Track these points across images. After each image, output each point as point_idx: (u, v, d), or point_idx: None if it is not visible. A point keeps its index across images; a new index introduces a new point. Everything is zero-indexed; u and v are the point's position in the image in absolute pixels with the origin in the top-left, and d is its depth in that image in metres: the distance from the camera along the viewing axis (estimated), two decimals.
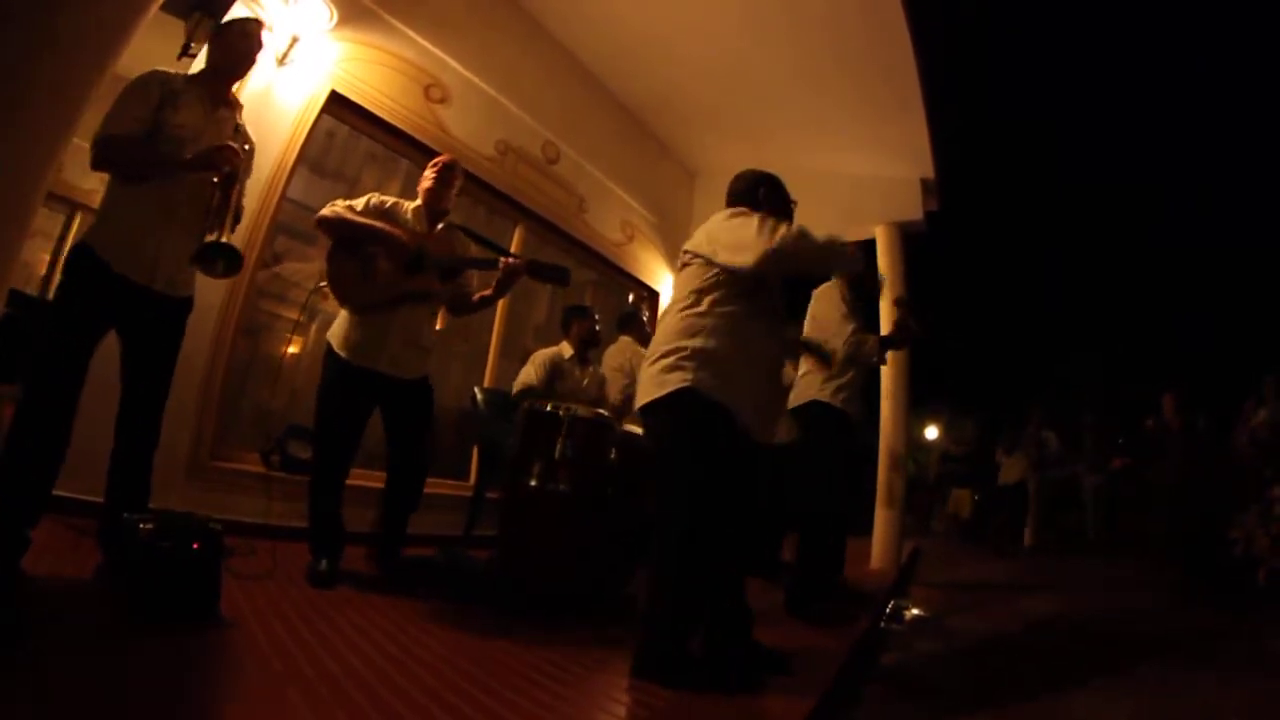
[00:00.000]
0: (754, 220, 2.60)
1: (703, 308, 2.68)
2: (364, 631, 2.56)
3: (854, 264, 2.94)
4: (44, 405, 2.56)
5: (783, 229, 2.54)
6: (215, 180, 2.71)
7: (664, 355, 2.67)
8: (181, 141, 2.70)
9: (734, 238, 2.62)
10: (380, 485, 3.72)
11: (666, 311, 2.84)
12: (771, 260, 2.54)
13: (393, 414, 3.57)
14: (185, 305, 2.93)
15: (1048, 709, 2.82)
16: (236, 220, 2.92)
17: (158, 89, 2.69)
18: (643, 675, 2.44)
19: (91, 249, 2.62)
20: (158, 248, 2.71)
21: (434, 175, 3.65)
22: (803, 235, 2.56)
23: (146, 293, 2.70)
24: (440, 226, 3.67)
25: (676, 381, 2.59)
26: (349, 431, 3.48)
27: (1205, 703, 3.01)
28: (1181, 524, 7.01)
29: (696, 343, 2.63)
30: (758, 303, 2.75)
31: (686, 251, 2.86)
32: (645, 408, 2.71)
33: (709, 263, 2.72)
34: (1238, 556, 5.78)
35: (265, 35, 3.63)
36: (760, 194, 3.00)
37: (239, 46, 2.98)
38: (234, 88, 3.10)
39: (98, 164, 2.61)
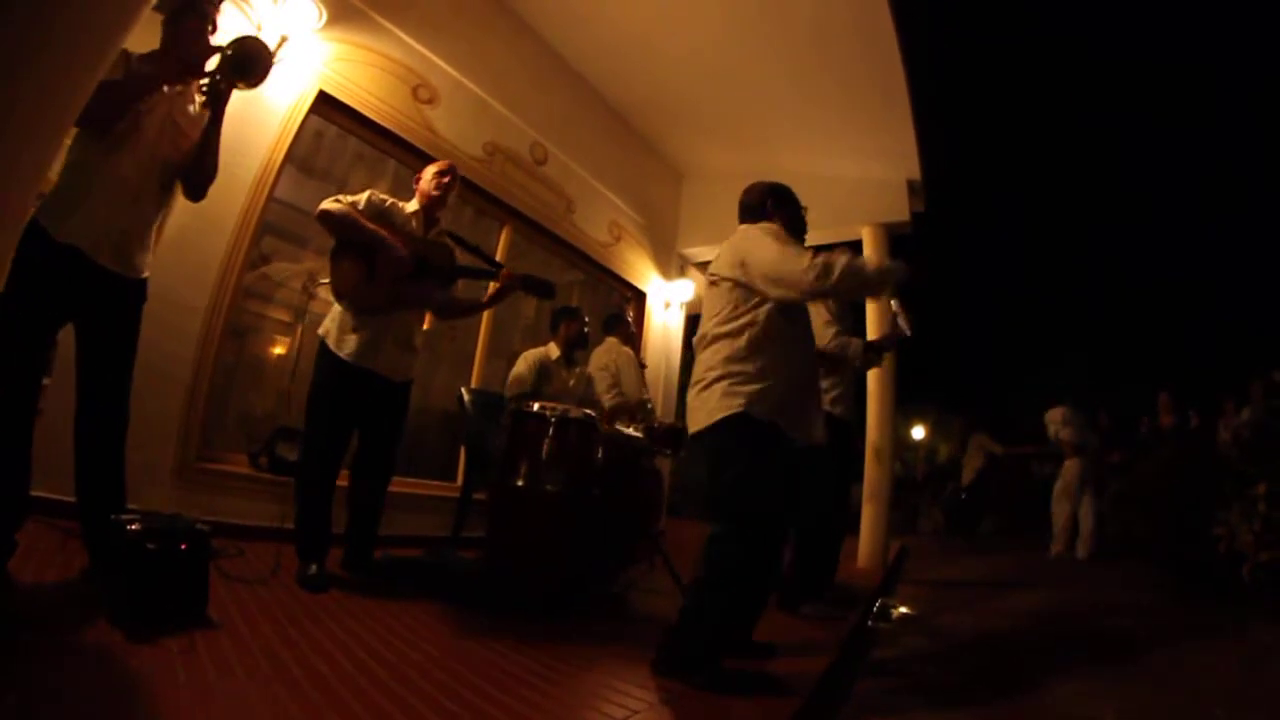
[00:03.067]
0: (800, 256, 2.57)
1: (735, 331, 2.71)
2: (352, 633, 2.56)
3: (903, 275, 2.73)
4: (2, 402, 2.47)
5: (837, 265, 2.50)
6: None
7: (715, 381, 2.69)
8: (137, 113, 2.68)
9: (777, 271, 2.61)
10: None
11: (700, 339, 2.87)
12: (821, 296, 2.68)
13: (375, 415, 3.58)
14: (139, 289, 2.83)
15: (1035, 703, 2.84)
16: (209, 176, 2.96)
17: (123, 59, 2.63)
18: (660, 672, 2.49)
19: (39, 225, 2.51)
20: (105, 217, 2.63)
21: (441, 185, 3.71)
22: (853, 271, 2.52)
23: (100, 272, 2.63)
24: (434, 231, 3.71)
25: (729, 407, 2.61)
26: (341, 431, 3.49)
27: (1191, 696, 3.04)
28: (1168, 521, 7.07)
29: (743, 366, 2.66)
30: (793, 313, 2.79)
31: (715, 274, 2.87)
32: (700, 434, 2.73)
33: (738, 285, 2.75)
34: (1222, 553, 5.83)
35: (250, 31, 3.65)
36: (769, 205, 3.03)
37: (190, 26, 2.87)
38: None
39: (89, 109, 2.50)
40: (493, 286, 3.74)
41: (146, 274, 2.87)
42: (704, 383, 2.74)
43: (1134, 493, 8.49)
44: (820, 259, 2.54)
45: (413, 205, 3.70)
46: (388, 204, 3.58)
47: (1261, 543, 5.39)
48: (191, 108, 2.94)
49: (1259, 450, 6.03)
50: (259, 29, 4.19)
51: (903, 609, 4.87)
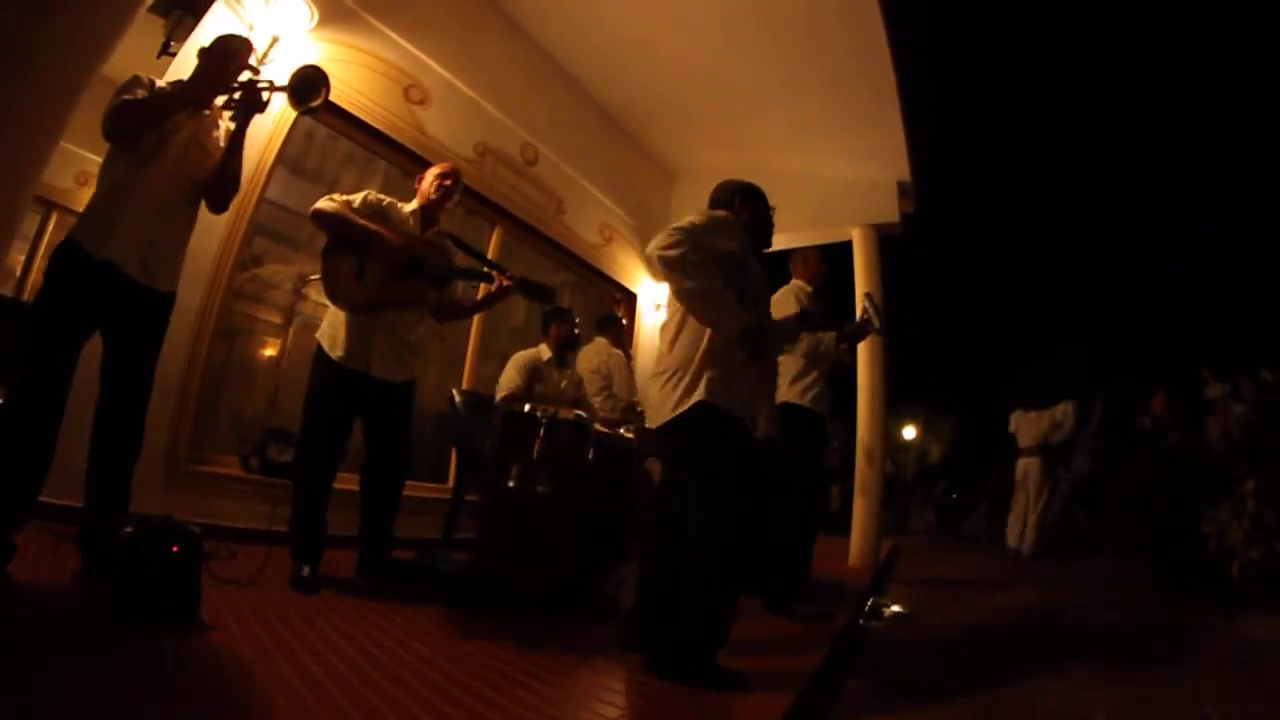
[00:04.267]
0: (687, 236, 2.69)
1: (693, 323, 2.75)
2: (345, 634, 2.55)
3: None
4: (31, 409, 2.55)
5: (679, 250, 2.65)
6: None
7: (672, 375, 2.73)
8: (163, 133, 2.80)
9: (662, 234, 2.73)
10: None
11: (663, 330, 2.90)
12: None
13: (376, 416, 3.57)
14: (168, 301, 2.95)
15: (1027, 700, 2.85)
16: (232, 186, 3.10)
17: (149, 85, 2.77)
18: (652, 669, 2.51)
19: (75, 242, 2.65)
20: (137, 232, 2.73)
21: (442, 187, 3.71)
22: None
23: (128, 283, 2.72)
24: (432, 232, 3.70)
25: (690, 401, 2.64)
26: (337, 434, 3.47)
27: (1181, 692, 3.06)
28: (1158, 519, 7.10)
29: (697, 359, 2.69)
30: (748, 304, 2.78)
31: None
32: (664, 427, 2.75)
33: None
34: (1212, 550, 5.85)
35: (248, 35, 3.71)
36: (736, 203, 3.05)
37: (225, 64, 3.04)
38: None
39: (117, 125, 2.67)
40: (484, 288, 3.75)
41: (175, 288, 2.99)
42: (665, 375, 2.78)
43: (1125, 489, 8.53)
44: (685, 247, 2.66)
45: (412, 205, 3.69)
46: (385, 203, 3.58)
47: (1251, 540, 5.41)
48: (216, 131, 3.08)
49: (1249, 448, 6.06)
50: (250, 29, 4.18)
51: (894, 607, 4.89)
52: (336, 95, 4.82)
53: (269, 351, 5.68)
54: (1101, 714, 2.71)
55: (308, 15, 4.50)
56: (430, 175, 3.74)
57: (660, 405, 2.76)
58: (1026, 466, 9.34)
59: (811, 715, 2.47)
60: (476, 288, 3.74)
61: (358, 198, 3.49)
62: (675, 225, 2.72)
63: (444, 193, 3.71)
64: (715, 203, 3.10)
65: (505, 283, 3.62)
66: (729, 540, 2.55)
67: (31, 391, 2.56)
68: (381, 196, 3.59)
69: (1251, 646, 4.01)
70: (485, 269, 3.77)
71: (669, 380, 2.74)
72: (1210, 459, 6.49)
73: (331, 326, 3.48)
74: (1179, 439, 7.96)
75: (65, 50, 1.50)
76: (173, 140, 2.83)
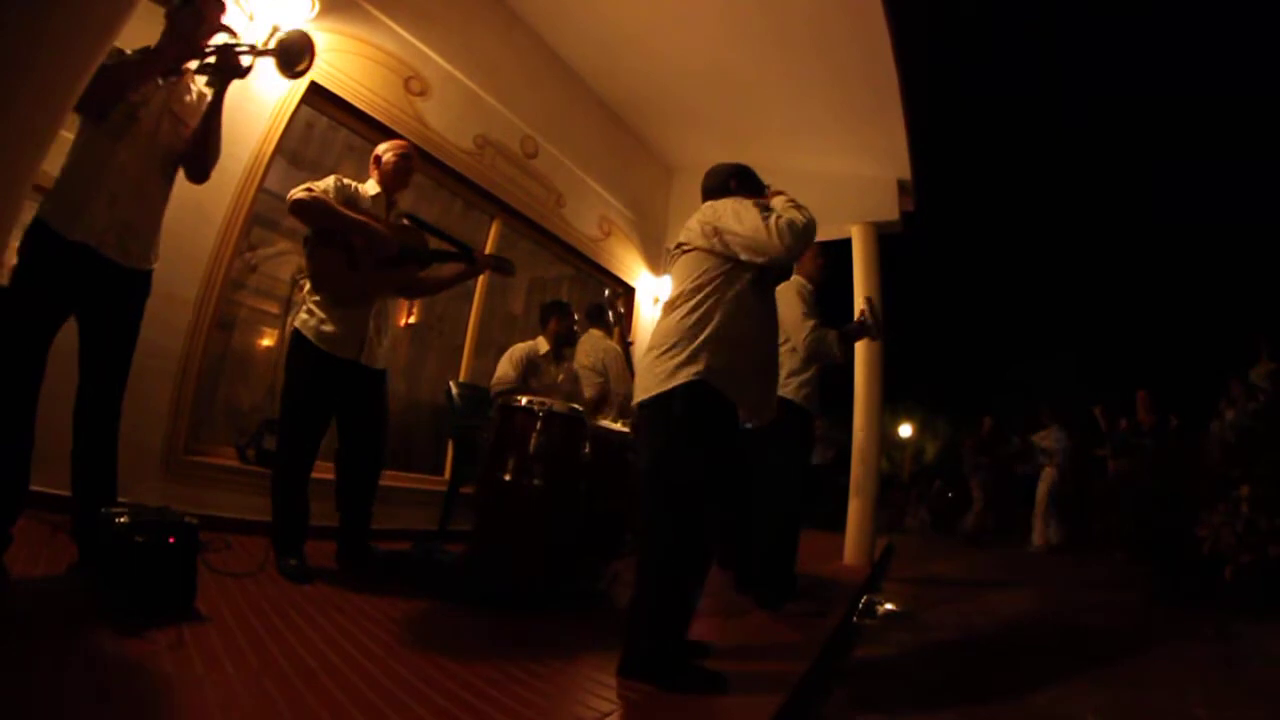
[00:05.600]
0: (761, 219, 2.63)
1: (702, 299, 2.66)
2: (340, 626, 2.56)
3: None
4: (3, 398, 2.49)
5: (793, 220, 2.63)
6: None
7: (669, 349, 2.61)
8: (133, 105, 2.72)
9: (748, 240, 2.64)
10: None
11: (668, 304, 2.80)
12: (795, 253, 2.71)
13: (358, 404, 3.56)
14: (143, 281, 2.87)
15: (1019, 701, 2.86)
16: (213, 155, 2.98)
17: (115, 53, 2.63)
18: (630, 674, 2.42)
19: (44, 221, 2.57)
20: (110, 211, 2.65)
21: (403, 164, 3.72)
22: (808, 227, 2.67)
23: (101, 262, 2.64)
24: (394, 213, 3.72)
25: (684, 376, 2.54)
26: (319, 423, 3.48)
27: (1173, 695, 3.07)
28: (1151, 522, 7.12)
29: (702, 335, 2.59)
30: (757, 289, 2.75)
31: (681, 244, 2.86)
32: (649, 401, 2.64)
33: (710, 253, 2.72)
34: (1205, 554, 5.87)
35: (242, 22, 3.63)
36: (731, 186, 3.02)
37: (194, 27, 2.87)
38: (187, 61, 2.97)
39: (83, 96, 2.52)
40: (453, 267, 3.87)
41: (153, 265, 2.90)
42: (660, 349, 2.65)
43: (1115, 492, 8.56)
44: (775, 222, 2.62)
45: (373, 188, 3.66)
46: (352, 188, 3.54)
47: (1244, 545, 5.43)
48: (189, 97, 2.96)
49: (1242, 453, 6.07)
50: (250, 19, 4.17)
51: (889, 606, 4.89)
52: (336, 85, 4.83)
53: (266, 342, 5.67)
54: (1093, 715, 2.72)
55: (308, 5, 4.48)
56: (390, 155, 3.71)
57: (649, 378, 2.65)
58: (1051, 475, 10.36)
59: (803, 714, 2.48)
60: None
61: (329, 185, 3.43)
62: (757, 215, 2.68)
63: (406, 170, 3.73)
64: (709, 190, 3.07)
65: (478, 258, 3.78)
66: (692, 534, 2.49)
67: (3, 380, 2.49)
68: (348, 182, 3.54)
69: (1243, 649, 4.03)
70: (458, 250, 3.81)
71: (664, 353, 2.62)
72: (1205, 462, 6.51)
73: (315, 317, 3.43)
74: (1160, 441, 8.00)
75: (66, 47, 1.49)
76: (144, 111, 2.75)
